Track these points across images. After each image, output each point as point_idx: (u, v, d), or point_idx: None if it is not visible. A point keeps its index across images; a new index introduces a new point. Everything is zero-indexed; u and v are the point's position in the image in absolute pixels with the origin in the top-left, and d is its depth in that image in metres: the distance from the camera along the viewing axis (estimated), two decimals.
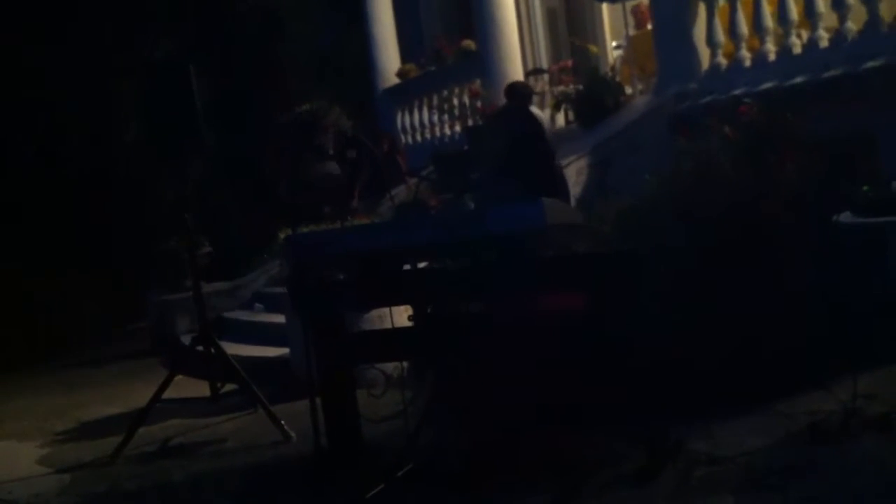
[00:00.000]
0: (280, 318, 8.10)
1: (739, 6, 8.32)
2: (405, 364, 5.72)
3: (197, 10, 13.25)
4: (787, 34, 7.95)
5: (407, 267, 4.91)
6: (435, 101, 12.20)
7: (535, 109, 8.26)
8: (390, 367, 5.46)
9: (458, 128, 11.66)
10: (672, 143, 6.89)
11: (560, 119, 10.71)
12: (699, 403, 4.62)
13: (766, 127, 5.57)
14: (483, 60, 10.92)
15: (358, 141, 9.12)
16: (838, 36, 7.47)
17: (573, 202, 7.63)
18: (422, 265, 5.14)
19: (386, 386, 5.31)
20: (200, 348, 6.61)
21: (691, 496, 3.90)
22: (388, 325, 5.65)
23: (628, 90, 9.82)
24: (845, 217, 4.51)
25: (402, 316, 4.93)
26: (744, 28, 8.32)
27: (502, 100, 10.10)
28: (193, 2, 13.26)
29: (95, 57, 12.26)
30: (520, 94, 8.15)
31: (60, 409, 8.04)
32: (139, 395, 7.07)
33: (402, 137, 12.60)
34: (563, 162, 8.12)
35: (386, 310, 5.83)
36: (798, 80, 7.54)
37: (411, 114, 12.64)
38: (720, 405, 4.65)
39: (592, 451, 4.47)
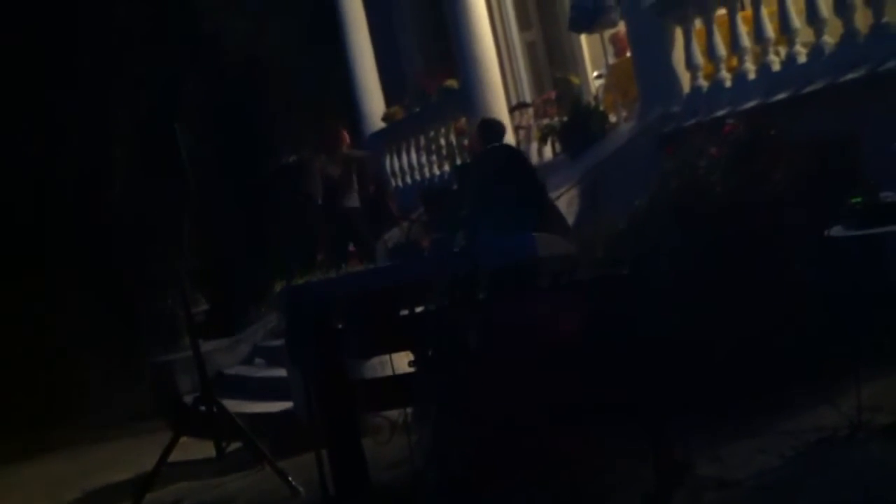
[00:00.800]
0: (281, 372, 8.07)
1: (716, 28, 8.38)
2: (409, 409, 5.68)
3: (180, 57, 13.32)
4: (764, 52, 7.99)
5: (404, 312, 4.90)
6: (422, 141, 12.24)
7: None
8: (395, 412, 5.43)
9: (447, 167, 11.68)
10: (658, 164, 6.92)
11: (547, 151, 10.73)
12: (704, 423, 4.60)
13: (750, 142, 5.59)
14: (466, 98, 10.96)
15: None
16: (816, 50, 7.50)
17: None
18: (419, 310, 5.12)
19: (391, 432, 5.28)
20: (203, 408, 6.57)
21: None
22: (389, 371, 5.61)
23: (612, 118, 9.86)
24: (836, 231, 4.49)
25: (402, 360, 4.91)
26: (722, 49, 8.36)
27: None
28: (176, 51, 13.33)
29: (83, 113, 12.31)
30: (496, 131, 8.20)
31: (67, 477, 7.98)
32: (145, 459, 7.00)
33: (393, 181, 12.62)
34: (555, 193, 8.14)
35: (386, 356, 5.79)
36: (780, 96, 7.56)
37: (399, 156, 12.67)
38: (726, 424, 4.63)
39: (601, 482, 4.43)
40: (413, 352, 4.78)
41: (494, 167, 6.80)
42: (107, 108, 12.45)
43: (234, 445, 6.81)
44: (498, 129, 8.22)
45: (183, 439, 6.57)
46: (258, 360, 9.88)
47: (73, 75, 12.67)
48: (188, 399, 9.10)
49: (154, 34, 13.38)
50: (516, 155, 7.64)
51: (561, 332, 4.27)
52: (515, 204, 6.14)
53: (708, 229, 5.29)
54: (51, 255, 12.29)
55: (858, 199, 4.46)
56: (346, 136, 9.71)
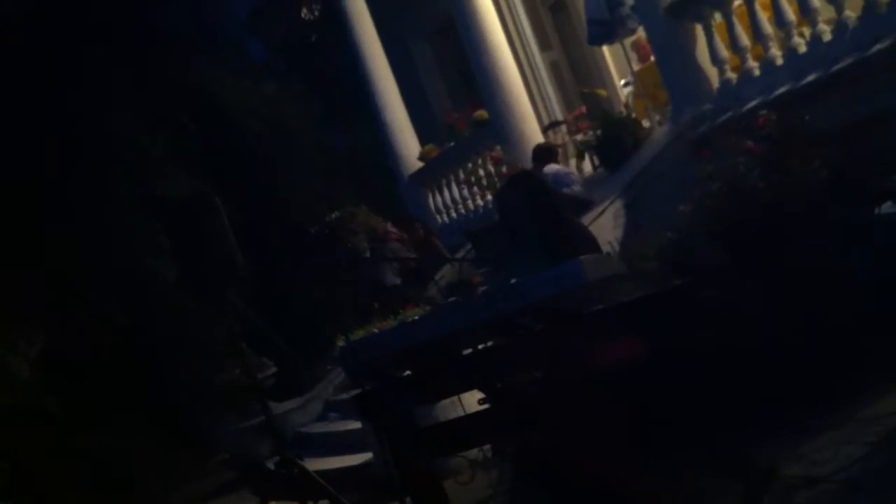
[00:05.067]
0: (356, 424, 8.12)
1: (735, 19, 8.33)
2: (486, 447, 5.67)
3: (208, 136, 13.55)
4: (788, 36, 7.93)
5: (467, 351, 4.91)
6: (461, 175, 12.27)
7: (552, 167, 8.30)
8: (473, 451, 5.43)
9: (489, 196, 11.69)
10: (697, 167, 6.88)
11: (587, 166, 10.73)
12: (783, 423, 4.54)
13: (785, 135, 5.54)
14: (498, 126, 11.00)
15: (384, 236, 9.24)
16: (839, 26, 7.43)
17: (616, 245, 7.61)
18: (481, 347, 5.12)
19: (472, 471, 5.27)
20: (284, 471, 6.62)
21: None
22: (459, 411, 5.61)
23: (645, 123, 9.83)
24: (888, 207, 4.44)
25: (472, 398, 4.91)
26: (745, 39, 8.30)
27: (525, 161, 10.24)
28: (205, 132, 13.57)
29: (110, 198, 12.54)
30: (537, 155, 8.22)
31: None
32: None
33: (437, 218, 12.66)
34: (599, 208, 8.12)
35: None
36: (810, 78, 7.50)
37: (441, 193, 12.70)
38: (804, 421, 4.55)
39: (687, 493, 4.37)
40: (481, 389, 4.80)
41: (513, 199, 6.77)
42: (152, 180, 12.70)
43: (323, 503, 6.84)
44: (538, 152, 8.21)
45: None
46: (332, 415, 9.95)
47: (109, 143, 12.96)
48: (270, 463, 9.16)
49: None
50: (530, 180, 7.61)
51: (622, 352, 4.25)
52: (543, 231, 6.09)
53: (758, 226, 5.24)
54: (103, 347, 12.44)
55: None
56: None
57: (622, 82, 12.11)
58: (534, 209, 5.16)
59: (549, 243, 4.76)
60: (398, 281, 9.18)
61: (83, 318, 12.11)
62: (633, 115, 10.20)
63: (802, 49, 7.83)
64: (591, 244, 5.06)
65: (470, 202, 12.23)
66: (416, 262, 9.31)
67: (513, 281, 4.38)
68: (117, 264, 12.44)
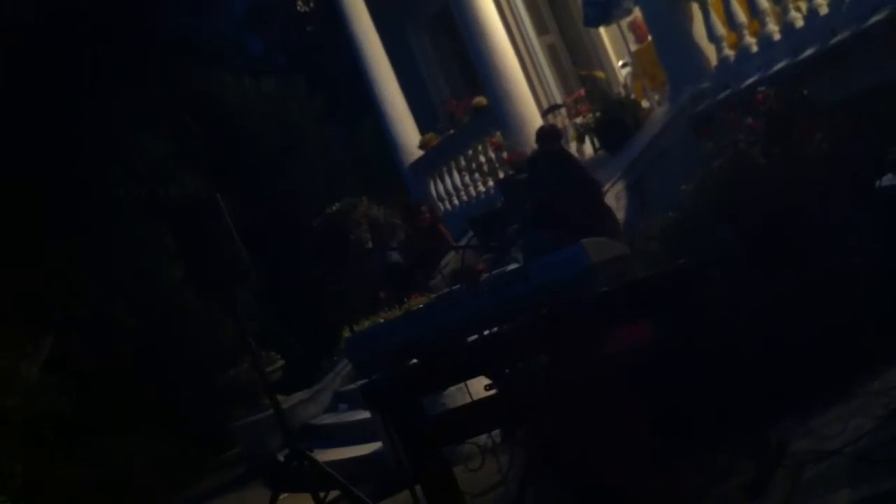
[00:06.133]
0: (365, 414, 8.13)
1: None
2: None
3: (210, 135, 13.56)
4: (785, 10, 7.90)
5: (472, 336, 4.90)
6: (462, 162, 12.27)
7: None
8: (482, 437, 5.44)
9: (491, 183, 11.69)
10: (698, 146, 6.86)
11: (587, 149, 10.70)
12: (791, 401, 4.53)
13: (785, 110, 5.52)
14: (498, 112, 11.00)
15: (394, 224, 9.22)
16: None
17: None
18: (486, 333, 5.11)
19: (482, 457, 5.27)
20: (295, 464, 6.64)
21: (806, 499, 3.80)
22: (467, 396, 5.61)
23: (644, 104, 9.80)
24: (888, 180, 4.42)
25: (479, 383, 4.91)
26: (742, 15, 8.28)
27: (525, 146, 10.22)
28: (207, 131, 13.57)
29: (116, 200, 12.55)
30: (543, 135, 8.21)
31: None
32: None
33: (440, 205, 12.66)
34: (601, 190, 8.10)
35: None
36: (808, 52, 7.48)
37: (442, 180, 12.71)
38: (812, 398, 4.55)
39: (698, 474, 4.37)
40: (487, 375, 4.79)
41: (549, 172, 6.73)
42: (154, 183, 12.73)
43: (334, 493, 6.86)
44: (542, 133, 8.22)
45: (283, 496, 6.65)
46: (341, 406, 9.97)
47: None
48: (280, 456, 9.19)
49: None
50: (568, 156, 7.57)
51: (630, 334, 4.24)
52: (573, 209, 6.08)
53: (760, 201, 5.22)
54: (114, 352, 12.47)
55: None
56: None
57: (620, 63, 12.08)
58: (568, 185, 5.13)
59: (579, 219, 4.73)
60: (401, 259, 9.16)
61: (91, 321, 12.14)
62: (632, 95, 10.18)
63: (800, 23, 7.80)
64: (615, 222, 5.09)
65: (472, 188, 12.24)
66: (421, 248, 9.29)
67: (516, 266, 4.37)
68: (124, 266, 12.46)
